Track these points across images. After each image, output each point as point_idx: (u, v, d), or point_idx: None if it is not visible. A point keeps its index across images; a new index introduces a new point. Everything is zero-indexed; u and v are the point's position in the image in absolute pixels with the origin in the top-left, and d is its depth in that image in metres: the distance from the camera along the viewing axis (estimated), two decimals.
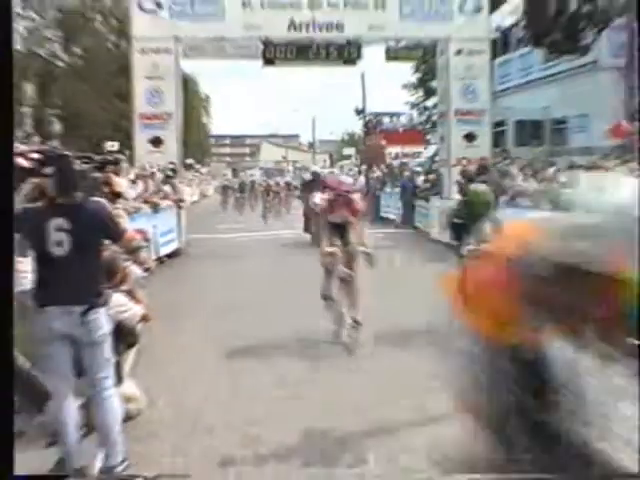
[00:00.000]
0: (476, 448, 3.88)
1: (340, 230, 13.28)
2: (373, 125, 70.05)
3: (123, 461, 7.42)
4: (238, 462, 7.59)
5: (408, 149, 54.60)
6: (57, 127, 54.99)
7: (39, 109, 55.60)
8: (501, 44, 37.21)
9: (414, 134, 61.27)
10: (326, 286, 13.22)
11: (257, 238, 32.13)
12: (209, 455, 7.81)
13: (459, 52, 30.95)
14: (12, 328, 2.13)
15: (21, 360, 4.32)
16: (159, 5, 29.22)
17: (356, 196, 13.95)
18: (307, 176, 35.80)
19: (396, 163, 47.39)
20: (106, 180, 10.12)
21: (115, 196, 10.30)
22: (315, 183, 28.49)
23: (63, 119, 55.75)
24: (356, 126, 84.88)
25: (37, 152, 9.71)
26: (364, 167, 49.65)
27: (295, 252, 26.12)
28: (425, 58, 39.96)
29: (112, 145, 33.82)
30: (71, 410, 7.41)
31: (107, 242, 7.77)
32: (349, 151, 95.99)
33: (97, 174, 10.25)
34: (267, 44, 30.80)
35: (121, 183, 11.83)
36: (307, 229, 29.50)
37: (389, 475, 7.20)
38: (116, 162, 13.69)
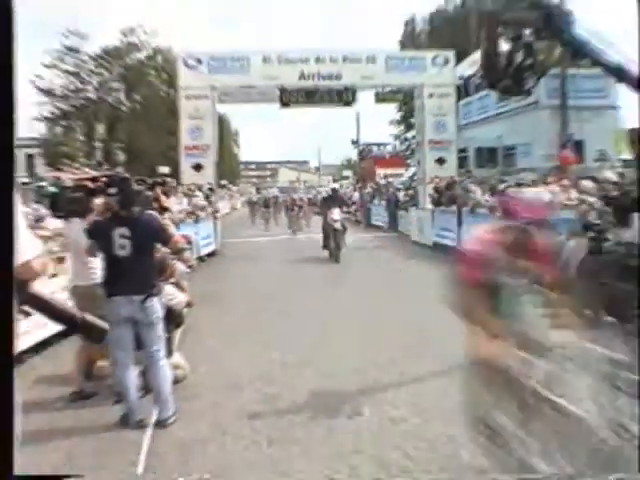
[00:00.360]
0: None
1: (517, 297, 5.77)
2: (365, 153, 70.28)
3: (173, 415, 7.44)
4: (262, 415, 7.58)
5: (392, 171, 54.49)
6: (121, 157, 55.23)
7: (108, 143, 55.85)
8: (464, 89, 37.25)
9: (397, 159, 61.46)
10: (486, 408, 5.63)
11: (276, 240, 32.09)
12: (239, 410, 7.77)
13: (431, 95, 31.03)
14: (12, 328, 2.03)
15: (76, 309, 4.29)
16: (199, 62, 29.35)
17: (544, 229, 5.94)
18: (324, 192, 34.78)
19: (383, 182, 47.31)
20: (156, 197, 10.12)
21: (163, 210, 10.33)
22: (333, 199, 25.04)
23: (126, 151, 55.99)
24: (352, 153, 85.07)
25: (104, 176, 9.72)
26: (359, 185, 49.56)
27: (307, 249, 26.16)
28: (405, 100, 40.05)
29: (164, 169, 33.98)
30: (132, 376, 7.48)
31: (158, 245, 7.76)
32: (347, 173, 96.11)
33: (149, 193, 10.25)
34: (283, 91, 30.81)
35: (167, 200, 11.82)
36: (326, 245, 24.23)
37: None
38: (164, 183, 13.68)
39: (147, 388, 7.79)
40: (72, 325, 4.53)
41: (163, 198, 11.12)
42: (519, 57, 15.65)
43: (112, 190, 7.89)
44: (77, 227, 8.26)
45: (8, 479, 1.93)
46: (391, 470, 5.94)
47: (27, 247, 3.66)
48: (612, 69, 17.81)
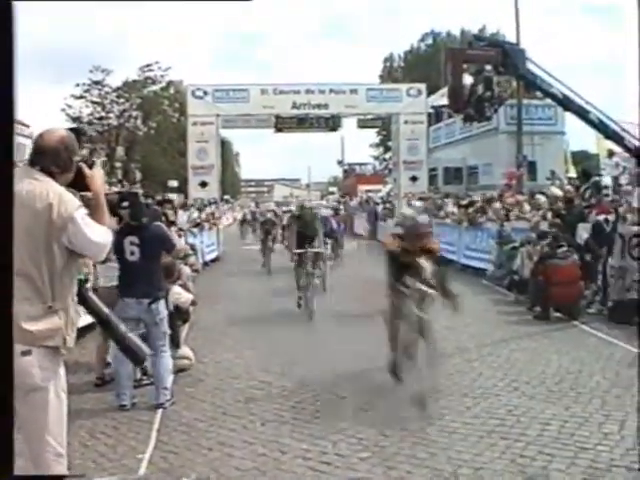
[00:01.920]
0: None
1: None
2: (349, 171, 70.32)
3: (170, 400, 7.36)
4: (256, 399, 7.55)
5: (373, 187, 54.38)
6: (138, 175, 55.23)
7: (126, 163, 55.96)
8: (434, 117, 37.38)
9: (376, 177, 61.33)
10: None
11: None
12: (237, 395, 7.75)
13: (406, 122, 31.01)
14: (11, 330, 1.98)
15: (122, 327, 4.34)
16: (206, 93, 29.29)
17: None
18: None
19: (365, 197, 47.26)
20: (164, 212, 10.14)
21: (170, 224, 10.34)
22: None
23: (142, 170, 56.03)
24: (338, 172, 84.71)
25: (118, 193, 9.72)
26: (343, 199, 49.46)
27: None
28: (384, 126, 39.98)
29: (173, 182, 34.07)
30: (126, 369, 7.30)
31: (164, 252, 7.74)
32: (333, 189, 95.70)
33: (157, 207, 10.24)
34: (278, 118, 30.88)
35: (174, 215, 11.88)
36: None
37: None
38: (170, 201, 13.76)
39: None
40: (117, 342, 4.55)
41: (170, 213, 11.11)
42: (480, 89, 15.87)
43: (124, 204, 7.82)
44: None
45: (8, 479, 1.86)
46: (368, 447, 5.91)
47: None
48: (558, 99, 18.01)
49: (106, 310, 4.38)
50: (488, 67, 17.86)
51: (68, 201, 3.67)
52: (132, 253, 7.37)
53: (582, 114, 16.86)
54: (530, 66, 17.11)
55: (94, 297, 4.30)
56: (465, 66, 17.65)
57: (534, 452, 5.63)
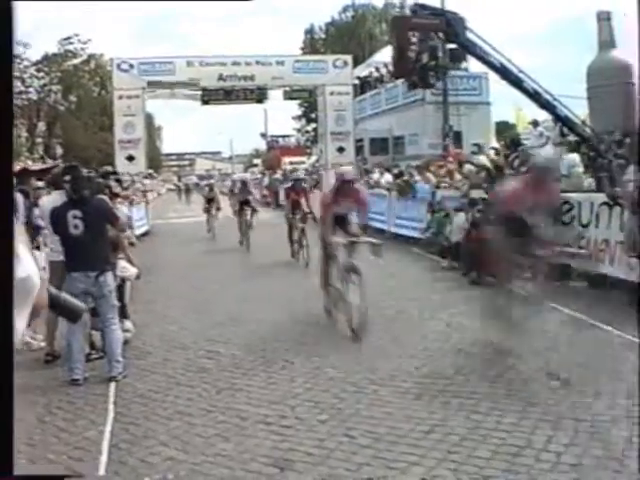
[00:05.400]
0: None
1: None
2: (272, 144, 70.20)
3: (123, 372, 7.27)
4: (207, 368, 7.53)
5: (296, 159, 54.40)
6: (60, 151, 53.84)
7: (47, 139, 54.63)
8: (359, 88, 37.46)
9: (300, 149, 61.56)
10: None
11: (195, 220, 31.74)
12: (188, 365, 7.72)
13: (332, 93, 31.25)
14: (12, 330, 1.94)
15: (54, 290, 4.21)
16: (131, 66, 28.91)
17: None
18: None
19: (289, 168, 47.24)
20: (107, 185, 9.93)
21: (114, 196, 10.15)
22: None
23: (64, 145, 54.67)
24: (261, 144, 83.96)
25: (57, 166, 9.49)
26: (268, 172, 49.28)
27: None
28: (310, 98, 39.91)
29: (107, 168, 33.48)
30: (78, 342, 7.26)
31: (108, 225, 7.63)
32: (257, 161, 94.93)
33: (100, 180, 9.98)
34: (204, 90, 30.59)
35: (118, 187, 11.67)
36: None
37: None
38: (115, 172, 13.51)
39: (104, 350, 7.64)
40: (50, 304, 4.41)
41: (114, 185, 10.92)
42: (424, 58, 16.06)
43: (66, 177, 7.65)
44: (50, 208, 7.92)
45: (8, 479, 1.83)
46: (325, 409, 5.97)
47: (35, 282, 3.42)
48: (496, 68, 18.30)
49: None
50: (432, 36, 18.14)
51: None
52: (76, 227, 7.23)
53: (517, 83, 17.25)
54: (470, 34, 17.43)
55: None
56: (409, 34, 17.80)
57: (487, 408, 5.79)
